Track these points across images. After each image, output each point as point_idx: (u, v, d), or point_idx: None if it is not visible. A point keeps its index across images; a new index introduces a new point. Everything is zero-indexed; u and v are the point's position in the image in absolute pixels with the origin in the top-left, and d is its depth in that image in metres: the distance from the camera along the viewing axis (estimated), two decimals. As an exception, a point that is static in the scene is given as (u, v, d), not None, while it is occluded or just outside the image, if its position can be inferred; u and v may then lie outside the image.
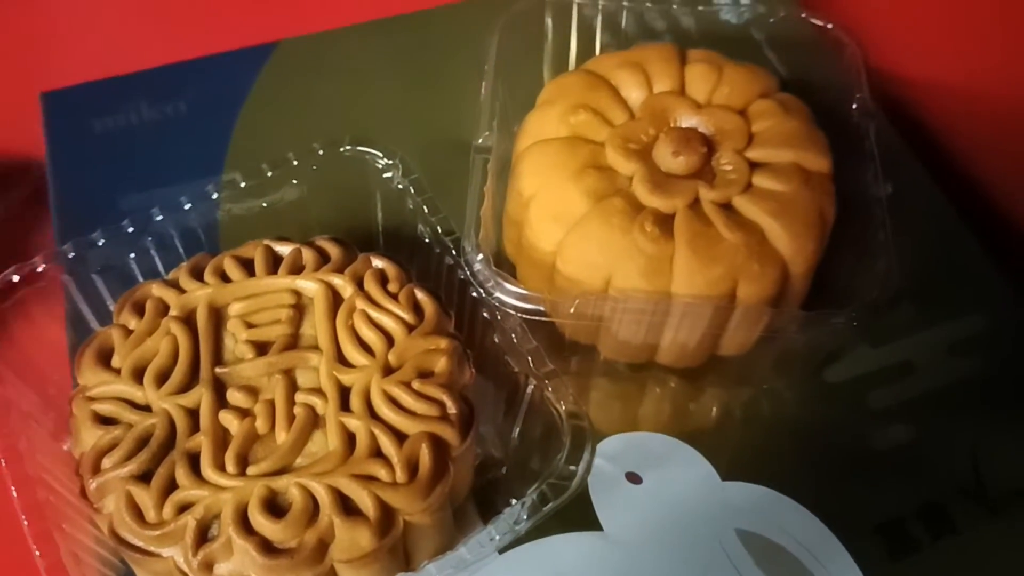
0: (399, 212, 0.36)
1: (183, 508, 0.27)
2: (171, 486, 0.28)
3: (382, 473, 0.28)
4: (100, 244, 0.34)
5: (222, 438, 0.29)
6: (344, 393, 0.30)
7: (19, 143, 0.43)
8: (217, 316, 0.32)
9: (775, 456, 0.35)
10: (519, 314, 0.32)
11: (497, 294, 0.33)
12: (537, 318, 0.33)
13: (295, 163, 0.36)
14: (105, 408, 0.30)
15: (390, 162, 0.36)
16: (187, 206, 0.35)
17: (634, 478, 0.34)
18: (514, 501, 0.29)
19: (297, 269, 0.33)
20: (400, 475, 0.28)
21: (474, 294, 0.33)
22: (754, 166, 0.34)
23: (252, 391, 0.30)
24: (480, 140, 0.36)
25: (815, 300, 0.35)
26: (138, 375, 0.30)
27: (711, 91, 0.36)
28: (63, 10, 0.50)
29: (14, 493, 0.29)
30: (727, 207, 0.33)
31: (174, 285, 0.32)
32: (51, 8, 0.50)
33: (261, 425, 0.29)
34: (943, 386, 0.36)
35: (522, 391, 0.32)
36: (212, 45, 0.46)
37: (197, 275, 0.32)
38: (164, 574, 0.28)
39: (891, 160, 0.37)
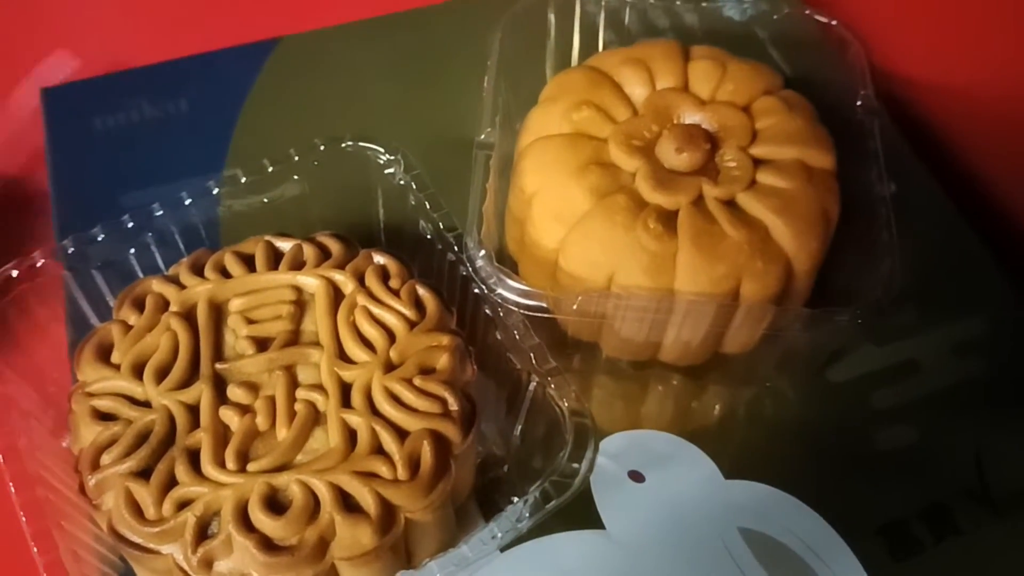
0: (401, 208, 0.36)
1: (183, 505, 0.27)
2: (171, 483, 0.28)
3: (383, 470, 0.28)
4: (100, 240, 0.33)
5: (222, 434, 0.29)
6: (345, 389, 0.30)
7: (19, 139, 0.43)
8: (217, 312, 0.32)
9: (778, 455, 0.35)
10: (521, 311, 0.32)
11: (499, 291, 0.32)
12: (539, 315, 0.32)
13: (296, 159, 0.36)
14: (104, 404, 0.29)
15: (392, 158, 0.36)
16: (187, 202, 0.35)
17: (637, 476, 0.34)
18: (516, 499, 0.28)
19: (298, 265, 0.32)
20: (401, 472, 0.28)
21: (476, 291, 0.33)
22: (758, 163, 0.34)
23: (253, 387, 0.30)
24: (482, 136, 0.36)
25: (819, 299, 0.35)
26: (138, 371, 0.30)
27: (715, 88, 0.36)
28: (64, 6, 0.50)
29: (12, 490, 0.28)
30: (731, 204, 0.33)
31: (174, 281, 0.32)
32: (52, 4, 0.50)
33: (262, 422, 0.29)
34: (947, 386, 0.36)
35: (524, 388, 0.32)
36: (214, 42, 0.46)
37: (197, 271, 0.32)
38: (164, 572, 0.28)
39: (894, 158, 0.37)
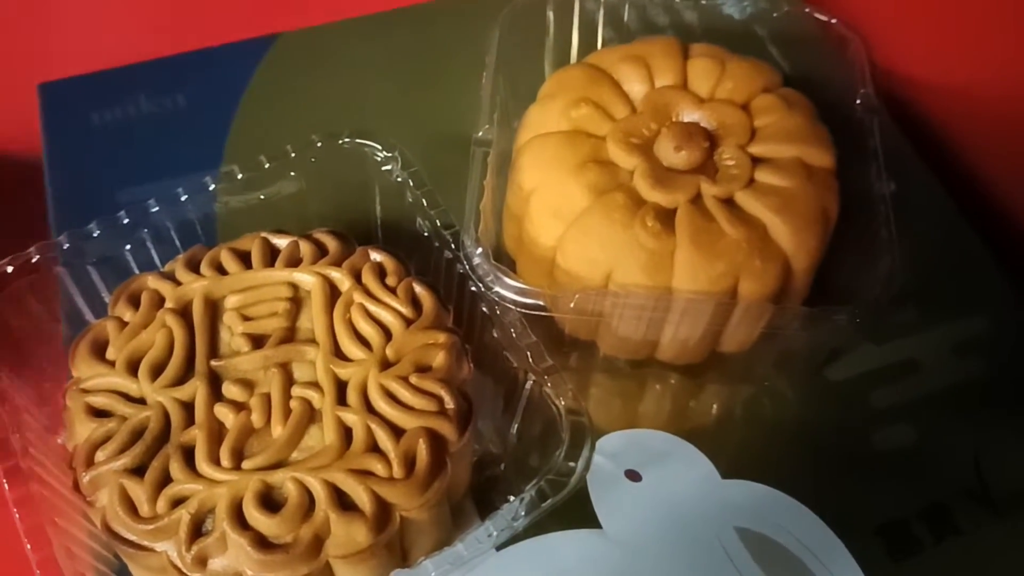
0: (398, 205, 0.36)
1: (177, 502, 0.27)
2: (165, 480, 0.28)
3: (379, 468, 0.28)
4: (96, 235, 0.33)
5: (217, 432, 0.29)
6: (341, 387, 0.29)
7: (16, 134, 0.43)
8: (213, 309, 0.31)
9: (776, 454, 0.35)
10: (518, 309, 0.32)
11: (496, 288, 0.32)
12: (537, 313, 0.32)
13: (293, 156, 0.35)
14: (99, 400, 0.29)
15: (389, 155, 0.36)
16: (184, 198, 0.35)
17: (633, 475, 0.34)
18: (512, 498, 0.28)
19: (294, 262, 0.32)
20: (397, 470, 0.28)
21: (473, 288, 0.33)
22: (756, 161, 0.34)
23: (248, 384, 0.30)
24: (480, 133, 0.36)
25: (817, 297, 0.35)
26: (133, 367, 0.30)
27: (714, 86, 0.36)
28: (62, 1, 0.50)
29: (6, 486, 0.28)
30: (729, 202, 0.33)
31: (170, 277, 0.32)
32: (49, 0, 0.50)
33: (257, 419, 0.29)
34: (946, 386, 0.36)
35: (521, 387, 0.31)
36: (211, 38, 0.46)
37: (193, 267, 0.32)
38: (158, 569, 0.27)
39: (894, 157, 0.36)
